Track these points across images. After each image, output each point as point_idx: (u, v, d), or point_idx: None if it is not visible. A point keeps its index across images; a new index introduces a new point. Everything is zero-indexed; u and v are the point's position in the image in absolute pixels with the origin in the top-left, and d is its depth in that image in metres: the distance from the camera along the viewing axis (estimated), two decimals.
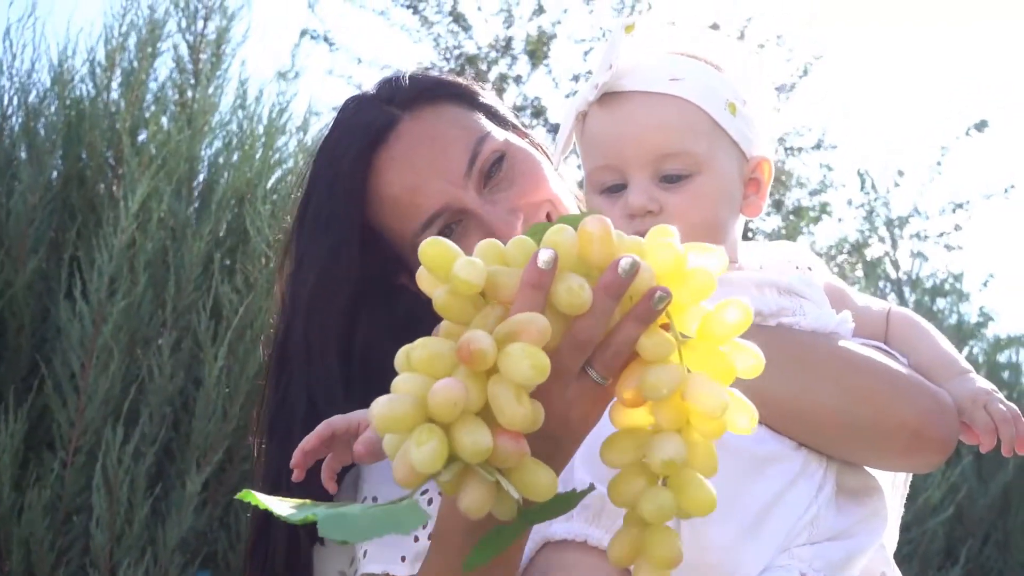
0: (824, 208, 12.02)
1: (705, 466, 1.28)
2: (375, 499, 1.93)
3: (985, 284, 9.71)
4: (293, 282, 2.04)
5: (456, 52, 11.92)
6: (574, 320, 1.26)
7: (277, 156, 4.46)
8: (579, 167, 1.92)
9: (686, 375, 1.26)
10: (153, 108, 4.38)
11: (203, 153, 4.35)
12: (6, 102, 4.23)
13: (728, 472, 1.36)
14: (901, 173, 11.73)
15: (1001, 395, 1.80)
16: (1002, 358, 7.75)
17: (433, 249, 1.25)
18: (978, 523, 6.89)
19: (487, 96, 2.15)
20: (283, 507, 1.21)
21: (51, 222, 4.07)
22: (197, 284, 4.08)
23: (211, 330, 4.00)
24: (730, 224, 1.82)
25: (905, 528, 5.94)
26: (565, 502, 1.27)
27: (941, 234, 11.88)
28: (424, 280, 1.28)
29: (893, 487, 1.90)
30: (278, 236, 3.92)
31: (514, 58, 11.97)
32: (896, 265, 10.39)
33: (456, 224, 2.00)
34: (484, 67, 11.88)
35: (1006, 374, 7.63)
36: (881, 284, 9.37)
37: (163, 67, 4.47)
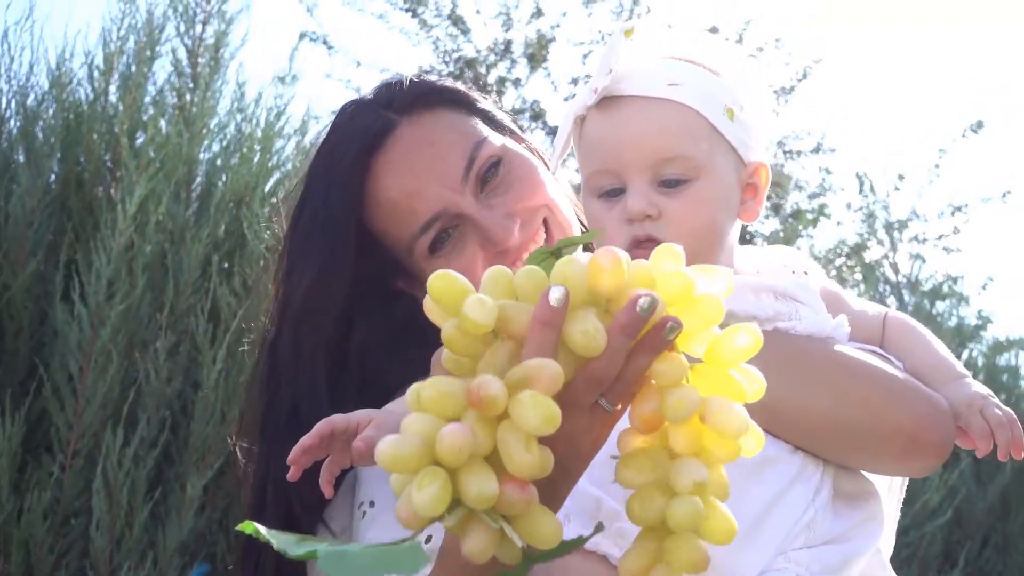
0: (822, 210, 12.02)
1: (720, 491, 1.29)
2: (372, 503, 1.93)
3: (984, 287, 9.71)
4: (286, 285, 2.04)
5: (455, 55, 11.92)
6: (589, 360, 1.26)
7: (275, 159, 4.46)
8: (577, 170, 1.91)
9: (703, 397, 1.27)
10: (151, 111, 4.37)
11: (201, 156, 4.35)
12: (4, 105, 4.23)
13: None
14: (901, 177, 11.73)
15: (997, 400, 1.80)
16: (1001, 361, 7.75)
17: (441, 282, 1.23)
18: (977, 526, 6.88)
19: (484, 101, 2.16)
20: (284, 541, 1.20)
21: (49, 225, 4.06)
22: (195, 287, 4.08)
23: (209, 333, 3.99)
24: (728, 229, 1.82)
25: (904, 531, 5.93)
26: (569, 546, 1.26)
27: (940, 236, 11.89)
28: (431, 311, 1.27)
29: (890, 491, 1.90)
30: (276, 239, 3.93)
31: (513, 61, 11.97)
32: (895, 268, 10.40)
33: (453, 229, 2.00)
34: (483, 70, 11.88)
35: (1005, 377, 7.63)
36: (880, 287, 9.37)
37: (161, 71, 4.47)
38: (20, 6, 4.31)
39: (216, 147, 4.46)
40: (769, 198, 1.88)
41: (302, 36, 11.41)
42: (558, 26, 11.98)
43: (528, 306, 1.23)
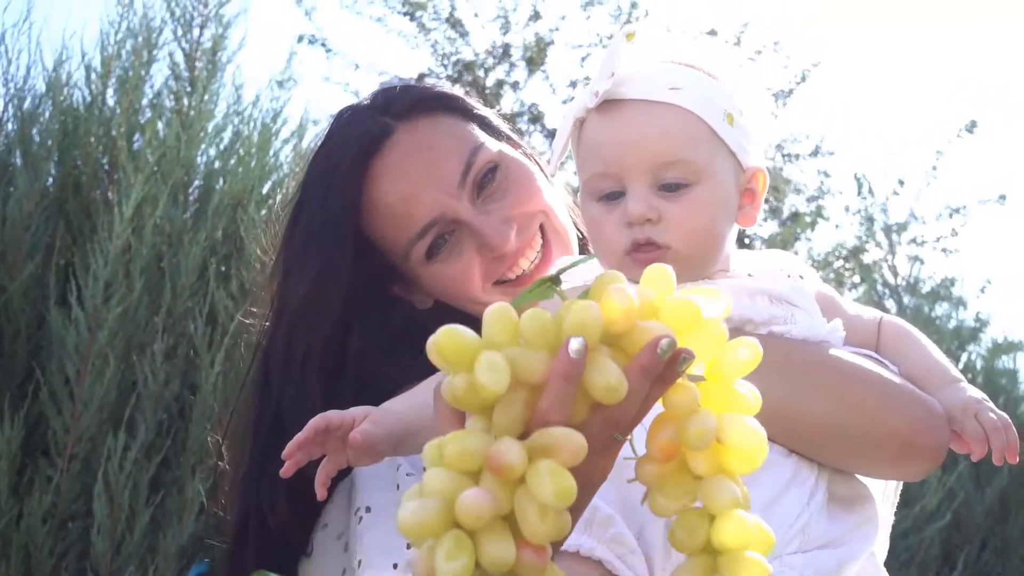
0: (820, 212, 12.02)
1: (745, 503, 1.29)
2: (368, 508, 1.93)
3: (983, 291, 9.71)
4: (283, 290, 2.04)
5: (453, 58, 11.93)
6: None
7: (273, 162, 4.45)
8: (574, 173, 1.91)
9: (717, 416, 1.27)
10: (149, 114, 4.37)
11: (199, 160, 4.35)
12: (1, 108, 4.22)
13: None
14: (901, 182, 11.74)
15: (992, 404, 1.80)
16: (999, 364, 7.74)
17: (448, 340, 1.22)
18: (975, 529, 6.88)
19: (481, 107, 2.16)
20: None
21: (46, 228, 4.06)
22: (193, 291, 4.07)
23: (207, 336, 3.99)
24: (726, 233, 1.82)
25: (902, 535, 5.93)
26: None
27: (938, 239, 11.89)
28: (434, 358, 1.25)
29: (884, 496, 1.90)
30: (273, 242, 3.93)
31: (512, 64, 11.98)
32: (894, 271, 10.40)
33: (450, 234, 2.01)
34: (481, 73, 11.89)
35: (1003, 381, 7.63)
36: (879, 289, 9.37)
37: (159, 74, 4.47)
38: (17, 9, 4.29)
39: (213, 151, 4.45)
40: (767, 201, 1.88)
41: (300, 38, 11.41)
42: (556, 29, 11.99)
43: (540, 354, 1.22)
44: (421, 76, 11.48)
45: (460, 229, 2.01)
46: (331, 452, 1.58)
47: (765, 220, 11.89)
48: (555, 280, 1.30)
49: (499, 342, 1.21)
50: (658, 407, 1.30)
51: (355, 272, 2.01)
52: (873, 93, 18.98)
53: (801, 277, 1.93)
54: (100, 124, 4.23)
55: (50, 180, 4.17)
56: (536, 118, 11.98)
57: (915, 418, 1.74)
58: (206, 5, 4.57)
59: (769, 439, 1.69)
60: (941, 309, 8.24)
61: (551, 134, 11.54)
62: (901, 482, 1.98)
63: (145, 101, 4.38)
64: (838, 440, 1.73)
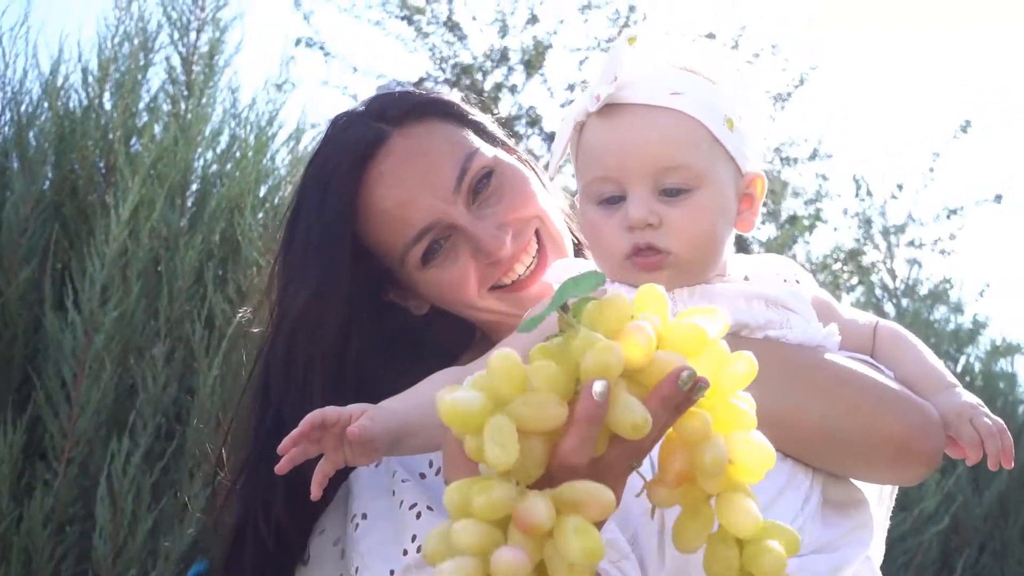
0: (818, 215, 12.03)
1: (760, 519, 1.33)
2: (364, 515, 1.93)
3: (981, 294, 9.69)
4: (283, 298, 2.04)
5: (451, 62, 11.93)
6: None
7: (270, 165, 4.45)
8: (573, 176, 1.91)
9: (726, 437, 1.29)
10: (146, 118, 4.37)
11: (196, 164, 4.34)
12: None
13: None
14: (900, 187, 11.74)
15: (987, 409, 1.80)
16: (998, 367, 7.74)
17: (454, 408, 1.23)
18: (974, 532, 6.87)
19: (476, 112, 2.16)
20: None
21: (43, 232, 4.05)
22: (190, 294, 4.07)
23: (205, 340, 3.99)
24: (726, 238, 1.82)
25: (901, 538, 5.93)
26: None
27: (936, 241, 11.89)
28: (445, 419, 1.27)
29: (880, 500, 1.90)
30: (270, 246, 3.93)
31: (510, 68, 11.98)
32: (892, 274, 10.39)
33: (445, 239, 2.01)
34: (479, 76, 11.89)
35: (1002, 384, 7.62)
36: (878, 292, 9.36)
37: (155, 78, 4.46)
38: (15, 13, 4.28)
39: (210, 154, 4.45)
40: (764, 205, 1.88)
41: (298, 42, 11.42)
42: (555, 33, 12.00)
43: (552, 403, 1.23)
44: (419, 80, 11.49)
45: (455, 234, 2.01)
46: (328, 450, 1.56)
47: (763, 223, 11.90)
48: (563, 307, 1.30)
49: (507, 396, 1.22)
50: None
51: (353, 279, 2.01)
52: (872, 94, 18.99)
53: (797, 281, 1.93)
54: (97, 128, 4.23)
55: (47, 184, 4.16)
56: (534, 121, 11.98)
57: (911, 423, 1.74)
58: (203, 9, 4.56)
59: None
60: (940, 312, 8.23)
61: (549, 137, 11.55)
62: (897, 486, 1.98)
63: (142, 105, 4.37)
64: (834, 444, 1.73)
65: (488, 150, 2.07)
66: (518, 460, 1.21)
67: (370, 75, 11.71)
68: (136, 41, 4.34)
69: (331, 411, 1.54)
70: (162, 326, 4.02)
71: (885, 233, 11.15)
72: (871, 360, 1.88)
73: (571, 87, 11.85)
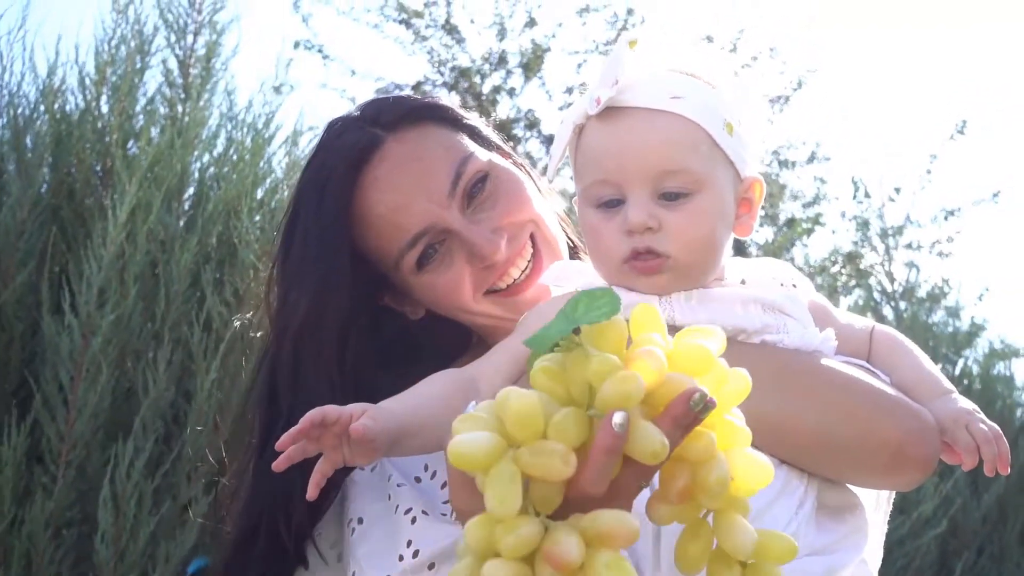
0: (817, 220, 12.04)
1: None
2: (360, 520, 1.93)
3: (980, 298, 9.69)
4: (284, 307, 2.03)
5: (450, 65, 11.94)
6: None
7: (266, 168, 4.45)
8: (571, 178, 1.91)
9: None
10: (143, 121, 4.37)
11: (193, 167, 4.34)
12: None
13: None
14: (898, 190, 11.74)
15: (983, 415, 1.80)
16: (996, 370, 7.74)
17: (458, 453, 1.23)
18: (972, 536, 6.87)
19: (471, 117, 2.16)
20: None
21: (40, 235, 4.05)
22: (186, 297, 4.07)
23: (203, 343, 3.98)
24: (725, 242, 1.82)
25: (899, 542, 5.93)
26: None
27: (933, 244, 11.90)
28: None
29: (876, 505, 1.90)
30: (267, 249, 3.92)
31: (508, 71, 11.99)
32: (891, 277, 10.40)
33: (440, 244, 2.01)
34: (478, 80, 11.90)
35: (1000, 387, 7.62)
36: (876, 296, 9.37)
37: (152, 81, 4.46)
38: (11, 16, 4.28)
39: (207, 157, 4.45)
40: (762, 208, 1.88)
41: (296, 44, 11.43)
42: (553, 36, 12.01)
43: (558, 454, 1.23)
44: (417, 83, 11.49)
45: (450, 239, 2.00)
46: (327, 450, 1.55)
47: (761, 226, 11.91)
48: (576, 331, 1.30)
49: (518, 440, 1.23)
50: None
51: (353, 285, 2.01)
52: (871, 96, 19.01)
53: (794, 285, 1.93)
54: (93, 131, 4.23)
55: (43, 187, 4.16)
56: (532, 124, 12.00)
57: (907, 428, 1.73)
58: (199, 12, 4.57)
59: (760, 449, 1.71)
60: (938, 315, 8.24)
61: (548, 140, 11.56)
62: (893, 491, 1.98)
63: (138, 108, 4.37)
64: (829, 450, 1.73)
65: (483, 154, 2.07)
66: (536, 492, 1.23)
67: (368, 78, 11.73)
68: (132, 44, 4.34)
69: (331, 409, 1.53)
70: (160, 329, 4.02)
71: (883, 235, 11.16)
72: (867, 365, 1.88)
73: (569, 90, 11.87)
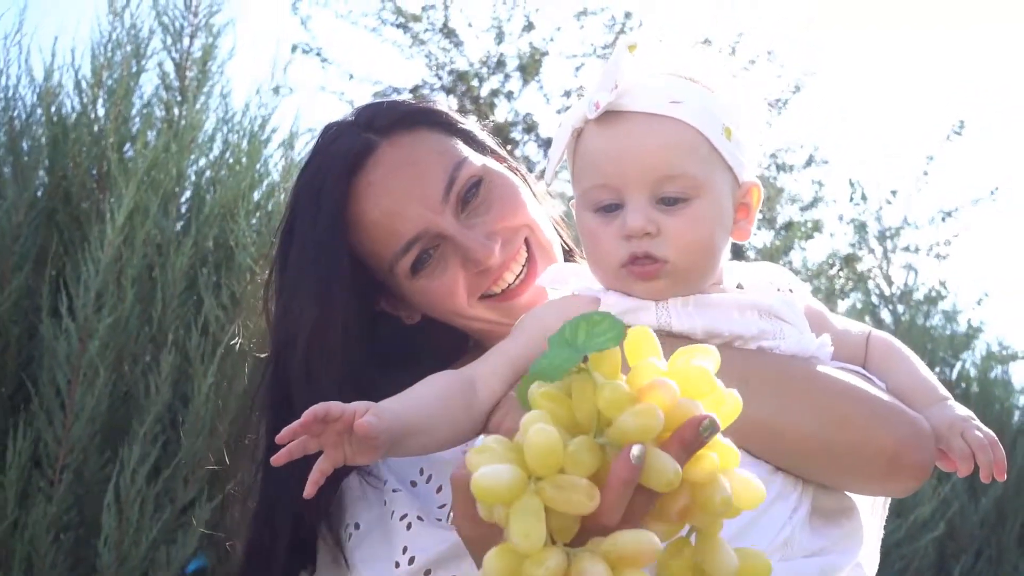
0: (816, 227, 12.04)
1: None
2: (357, 525, 1.93)
3: (979, 303, 9.69)
4: (288, 315, 2.02)
5: (448, 68, 11.95)
6: None
7: (263, 171, 4.44)
8: (568, 181, 1.91)
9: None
10: (139, 124, 4.36)
11: (189, 170, 4.34)
12: None
13: None
14: (894, 192, 11.75)
15: (979, 422, 1.80)
16: (994, 374, 7.74)
17: (483, 486, 1.24)
18: (970, 539, 6.87)
19: (466, 121, 2.16)
20: None
21: (36, 239, 4.05)
22: (182, 300, 4.06)
23: (200, 347, 3.98)
24: (723, 247, 1.82)
25: (896, 545, 5.92)
26: None
27: (931, 247, 11.90)
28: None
29: (872, 509, 1.90)
30: (264, 252, 3.92)
31: (507, 75, 12.00)
32: (889, 280, 10.41)
33: (434, 249, 2.01)
34: (476, 83, 11.91)
35: (998, 391, 7.62)
36: (874, 299, 9.37)
37: (148, 84, 4.46)
38: (8, 20, 4.28)
39: (203, 160, 4.44)
40: (760, 211, 1.88)
41: (294, 48, 11.43)
42: (551, 40, 12.02)
43: (581, 488, 1.25)
44: (415, 87, 11.50)
45: (444, 244, 2.00)
46: (328, 447, 1.55)
47: (759, 229, 11.91)
48: (584, 358, 1.31)
49: (539, 473, 1.24)
50: None
51: (354, 291, 2.01)
52: (870, 97, 19.02)
53: (791, 290, 1.93)
54: (90, 134, 4.23)
55: (40, 190, 4.16)
56: (530, 128, 12.01)
57: (902, 435, 1.73)
58: (196, 14, 4.56)
59: (756, 456, 1.71)
60: (936, 319, 8.23)
61: (545, 144, 11.57)
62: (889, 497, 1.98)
63: (135, 111, 4.37)
64: (825, 456, 1.73)
65: (477, 159, 2.07)
66: (554, 523, 1.24)
67: (366, 82, 11.74)
68: (128, 48, 4.34)
69: (335, 405, 1.53)
70: (157, 333, 4.01)
71: (881, 238, 11.16)
72: (863, 371, 1.88)
73: (567, 93, 11.89)
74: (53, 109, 4.26)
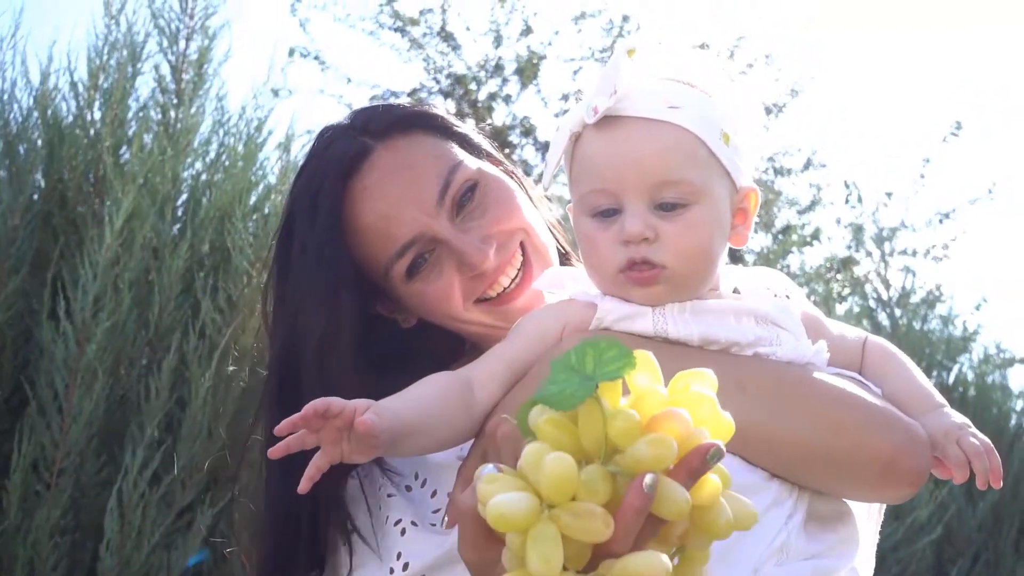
0: (816, 234, 12.05)
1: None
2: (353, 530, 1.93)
3: (978, 307, 9.69)
4: (295, 326, 2.01)
5: (446, 72, 11.95)
6: None
7: (260, 173, 4.44)
8: (564, 184, 1.90)
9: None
10: (135, 127, 4.36)
11: (185, 173, 4.34)
12: None
13: None
14: (889, 194, 11.75)
15: (975, 429, 1.79)
16: (991, 378, 7.74)
17: (500, 515, 1.25)
18: (967, 543, 6.87)
19: (462, 124, 2.16)
20: None
21: (32, 242, 4.05)
22: (178, 303, 4.06)
23: (198, 351, 3.98)
24: (720, 253, 1.81)
25: (893, 548, 5.92)
26: None
27: (928, 250, 11.91)
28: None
29: (868, 514, 1.89)
30: (260, 255, 3.92)
31: (504, 79, 12.01)
32: (886, 283, 10.41)
33: (429, 253, 2.00)
34: (474, 86, 11.91)
35: (996, 394, 7.62)
36: (871, 303, 9.37)
37: (145, 87, 4.46)
38: (5, 23, 4.28)
39: (200, 164, 4.44)
40: (758, 215, 1.87)
41: (292, 52, 11.44)
42: (549, 44, 12.03)
43: (597, 516, 1.26)
44: (413, 91, 11.50)
45: (439, 248, 2.00)
46: (326, 444, 1.54)
47: (756, 232, 11.91)
48: (596, 386, 1.31)
49: (554, 501, 1.25)
50: None
51: (357, 296, 2.01)
52: (869, 98, 19.04)
53: (787, 296, 1.93)
54: (86, 137, 4.23)
55: (36, 194, 4.16)
56: (528, 131, 12.01)
57: (897, 442, 1.73)
58: (192, 17, 4.56)
59: (752, 462, 1.71)
60: (934, 322, 8.23)
61: (543, 147, 11.57)
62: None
63: (131, 114, 4.36)
64: (820, 463, 1.73)
65: (472, 162, 2.07)
66: (569, 550, 1.25)
67: (364, 85, 11.73)
68: (124, 52, 4.34)
69: (336, 401, 1.52)
70: (154, 336, 4.01)
71: (879, 240, 11.16)
72: (859, 377, 1.87)
73: (565, 97, 11.90)
74: (49, 112, 4.26)
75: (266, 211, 4.32)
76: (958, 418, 1.81)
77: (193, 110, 4.44)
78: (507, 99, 12.05)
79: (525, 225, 2.07)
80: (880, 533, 2.00)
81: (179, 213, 4.34)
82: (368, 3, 12.04)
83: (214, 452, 3.97)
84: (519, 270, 2.05)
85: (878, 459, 1.71)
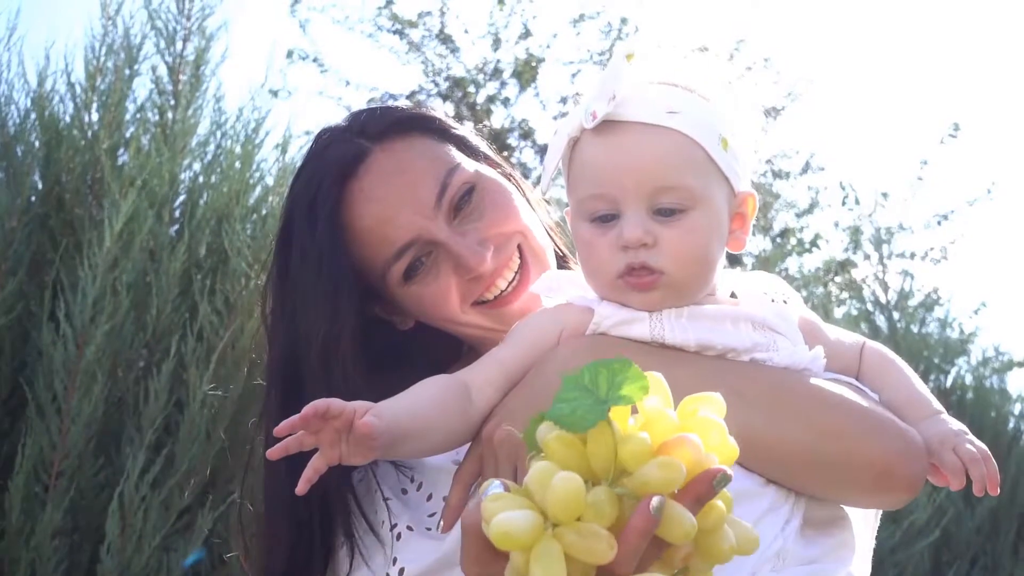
0: (815, 241, 12.05)
1: None
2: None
3: (976, 312, 9.69)
4: (298, 329, 2.00)
5: (444, 75, 11.95)
6: None
7: (258, 174, 4.44)
8: (562, 187, 1.90)
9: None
10: (133, 129, 4.36)
11: (182, 175, 4.33)
12: None
13: None
14: (885, 195, 11.75)
15: (972, 436, 1.79)
16: (988, 382, 7.74)
17: (504, 533, 1.25)
18: (965, 546, 6.87)
19: (459, 127, 2.15)
20: None
21: (30, 245, 4.05)
22: (175, 305, 4.06)
23: (196, 352, 3.98)
24: (719, 258, 1.81)
25: (891, 551, 5.92)
26: None
27: (926, 253, 11.91)
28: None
29: (865, 519, 1.89)
30: (258, 256, 3.92)
31: (503, 81, 12.01)
32: (884, 286, 10.40)
33: (427, 256, 2.00)
34: (472, 89, 11.92)
35: (995, 397, 7.62)
36: (868, 307, 9.37)
37: (142, 88, 4.45)
38: (1, 24, 4.28)
39: (197, 165, 4.44)
40: (756, 219, 1.87)
41: (290, 54, 11.45)
42: (548, 46, 12.03)
43: (601, 537, 1.26)
44: (412, 93, 11.51)
45: (437, 250, 2.00)
46: (324, 445, 1.53)
47: (754, 235, 11.91)
48: (609, 409, 1.32)
49: (560, 519, 1.26)
50: None
51: (357, 298, 2.00)
52: (867, 99, 19.04)
53: (785, 301, 1.92)
54: (83, 139, 4.22)
55: (33, 196, 4.15)
56: (527, 134, 12.02)
57: (893, 448, 1.73)
58: (189, 18, 4.56)
59: (748, 468, 1.71)
60: (932, 325, 8.23)
61: (542, 150, 11.57)
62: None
63: (128, 116, 4.36)
64: (817, 469, 1.73)
65: (470, 165, 2.07)
66: (573, 570, 1.25)
67: (363, 87, 11.74)
68: (122, 54, 4.34)
69: (336, 402, 1.52)
70: (151, 339, 4.01)
71: (876, 242, 11.15)
72: (856, 383, 1.87)
73: (564, 100, 11.91)
74: (46, 114, 4.26)
75: (264, 212, 4.31)
76: (955, 424, 1.81)
77: (190, 111, 4.44)
78: (505, 102, 12.06)
79: (522, 228, 2.06)
80: (877, 536, 2.00)
81: (176, 215, 4.33)
82: (367, 5, 12.05)
83: (213, 454, 3.97)
84: (516, 273, 2.04)
85: (874, 465, 1.71)
